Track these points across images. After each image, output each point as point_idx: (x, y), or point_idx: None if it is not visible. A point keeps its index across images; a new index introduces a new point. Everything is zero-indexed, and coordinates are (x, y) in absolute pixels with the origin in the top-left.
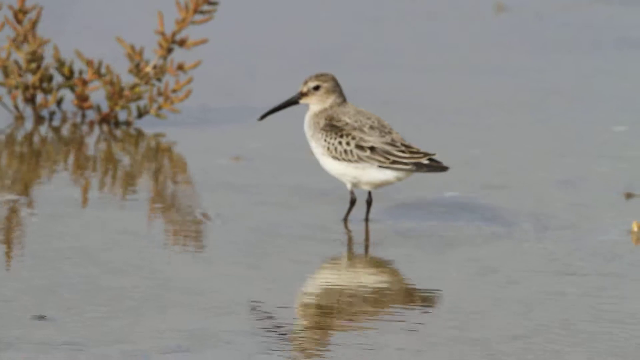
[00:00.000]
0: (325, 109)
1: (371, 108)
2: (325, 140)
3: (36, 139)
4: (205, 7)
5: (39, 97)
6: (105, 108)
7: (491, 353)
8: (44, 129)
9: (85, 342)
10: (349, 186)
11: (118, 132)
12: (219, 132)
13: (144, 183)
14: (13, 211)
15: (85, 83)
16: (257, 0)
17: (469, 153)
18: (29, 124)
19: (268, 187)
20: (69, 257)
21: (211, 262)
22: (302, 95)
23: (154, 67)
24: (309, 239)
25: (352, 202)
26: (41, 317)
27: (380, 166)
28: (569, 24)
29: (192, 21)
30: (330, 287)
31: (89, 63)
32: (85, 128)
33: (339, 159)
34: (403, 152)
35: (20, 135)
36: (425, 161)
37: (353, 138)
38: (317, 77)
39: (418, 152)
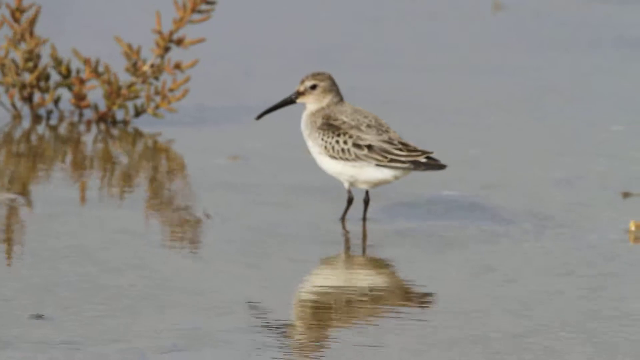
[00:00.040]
0: (322, 108)
1: (371, 108)
2: (322, 139)
3: (33, 137)
4: (203, 7)
5: (37, 96)
6: (102, 107)
7: (491, 352)
8: (41, 128)
9: (83, 341)
10: (346, 185)
11: (115, 131)
12: (217, 132)
13: (142, 182)
14: (10, 210)
15: (82, 82)
16: (256, 0)
17: (468, 152)
18: (26, 123)
19: (266, 187)
20: (66, 256)
21: (209, 261)
22: (299, 94)
23: (152, 66)
24: (306, 238)
25: (350, 201)
26: (39, 316)
27: (377, 165)
28: (567, 22)
29: (189, 20)
30: (328, 286)
31: (86, 62)
32: (82, 127)
33: (336, 158)
34: (400, 150)
35: (17, 134)
36: (422, 159)
37: (350, 137)
38: (314, 76)
39: (416, 150)
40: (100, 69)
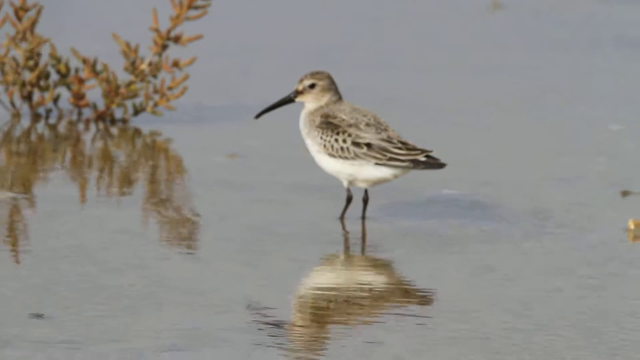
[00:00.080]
0: (321, 107)
1: (371, 108)
2: (321, 138)
3: (33, 136)
4: (199, 2)
5: (36, 95)
6: (101, 106)
7: (491, 352)
8: (40, 127)
9: (83, 340)
10: (345, 184)
11: (114, 130)
12: (215, 130)
13: (141, 181)
14: (10, 209)
15: (81, 81)
16: None
17: (467, 152)
18: (25, 122)
19: (264, 185)
20: (66, 255)
21: (208, 260)
22: (298, 93)
23: (149, 64)
24: (305, 237)
25: (349, 199)
26: (39, 316)
27: (377, 163)
28: (566, 22)
29: (186, 17)
30: (327, 285)
31: (85, 61)
32: (81, 126)
33: (335, 157)
34: (400, 149)
35: (16, 133)
36: (422, 158)
37: (349, 135)
38: (313, 75)
39: (415, 149)
40: (99, 67)
